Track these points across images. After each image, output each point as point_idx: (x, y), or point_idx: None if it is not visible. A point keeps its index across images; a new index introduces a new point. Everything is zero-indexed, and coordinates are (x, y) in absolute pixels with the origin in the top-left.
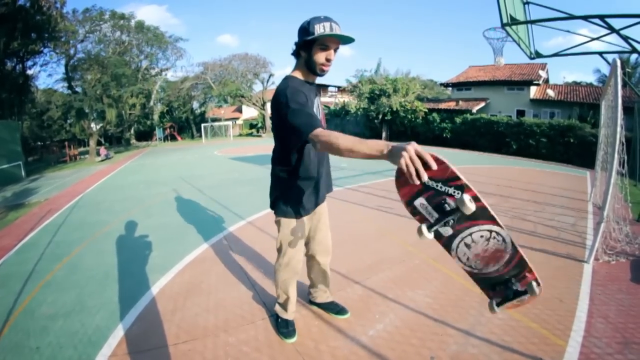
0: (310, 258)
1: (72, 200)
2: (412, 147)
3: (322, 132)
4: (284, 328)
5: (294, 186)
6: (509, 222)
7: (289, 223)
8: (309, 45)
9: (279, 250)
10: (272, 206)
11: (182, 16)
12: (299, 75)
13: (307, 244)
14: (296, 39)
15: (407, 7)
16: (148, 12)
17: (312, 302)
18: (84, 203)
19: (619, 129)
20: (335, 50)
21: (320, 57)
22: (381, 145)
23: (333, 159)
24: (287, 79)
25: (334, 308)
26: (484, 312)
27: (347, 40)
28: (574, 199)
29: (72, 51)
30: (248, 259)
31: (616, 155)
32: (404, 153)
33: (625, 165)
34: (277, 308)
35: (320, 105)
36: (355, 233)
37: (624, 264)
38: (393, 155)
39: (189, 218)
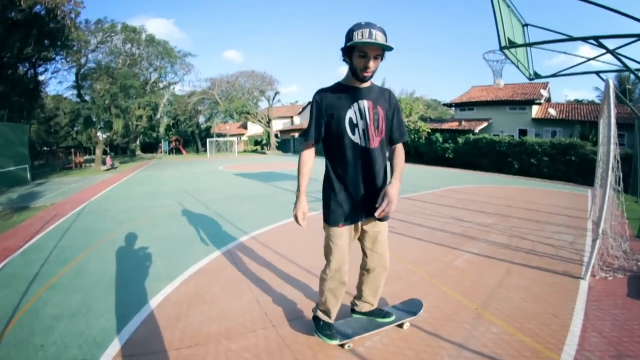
0: (366, 272)
1: (78, 207)
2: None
3: (305, 150)
4: (327, 330)
5: (330, 190)
6: (507, 240)
7: (332, 230)
8: (350, 52)
9: (325, 257)
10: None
11: (188, 30)
12: (346, 81)
13: (364, 257)
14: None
15: (413, 24)
16: (156, 25)
17: (355, 312)
18: (89, 211)
19: (612, 147)
20: (377, 58)
21: (359, 63)
22: (299, 190)
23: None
24: (333, 86)
25: (379, 314)
26: (478, 326)
27: (386, 47)
28: (574, 217)
29: (83, 60)
30: (252, 272)
31: (610, 173)
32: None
33: (621, 182)
34: (320, 314)
35: (369, 108)
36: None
37: (621, 280)
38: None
39: (193, 231)
